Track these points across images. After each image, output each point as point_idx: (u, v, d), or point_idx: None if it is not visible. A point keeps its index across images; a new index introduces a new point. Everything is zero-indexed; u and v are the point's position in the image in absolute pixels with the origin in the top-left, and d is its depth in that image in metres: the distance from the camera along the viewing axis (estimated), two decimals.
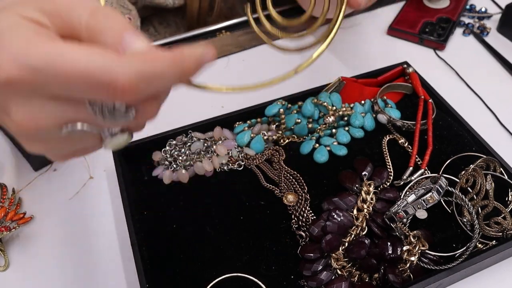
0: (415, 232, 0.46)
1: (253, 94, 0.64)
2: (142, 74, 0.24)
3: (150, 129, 0.58)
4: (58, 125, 0.25)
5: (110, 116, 0.25)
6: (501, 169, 0.52)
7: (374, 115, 0.59)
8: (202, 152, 0.56)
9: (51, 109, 0.25)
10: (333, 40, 0.72)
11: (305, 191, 0.52)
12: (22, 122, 0.25)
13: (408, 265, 0.44)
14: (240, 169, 0.55)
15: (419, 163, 0.54)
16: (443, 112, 0.60)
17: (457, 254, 0.45)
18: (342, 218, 0.48)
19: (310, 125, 0.58)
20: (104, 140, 0.28)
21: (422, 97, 0.60)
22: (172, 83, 0.27)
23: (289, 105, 0.59)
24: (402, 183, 0.52)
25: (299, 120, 0.57)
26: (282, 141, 0.57)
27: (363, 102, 0.60)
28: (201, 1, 0.75)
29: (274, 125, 0.58)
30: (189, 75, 0.27)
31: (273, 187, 0.53)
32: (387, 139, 0.57)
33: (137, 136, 0.56)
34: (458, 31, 0.77)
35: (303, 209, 0.50)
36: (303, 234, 0.48)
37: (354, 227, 0.48)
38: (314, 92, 0.60)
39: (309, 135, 0.58)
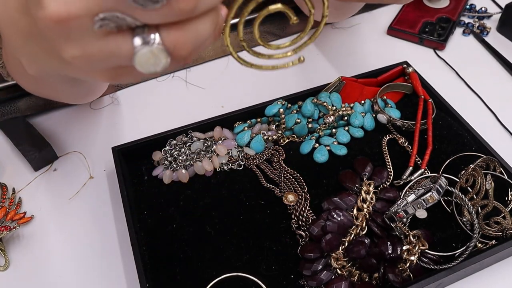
0: (415, 231, 0.46)
1: (253, 94, 0.64)
2: None
3: (150, 129, 0.58)
4: (91, 14, 0.24)
5: None
6: (501, 168, 0.52)
7: (374, 115, 0.59)
8: (202, 152, 0.56)
9: None
10: (333, 41, 0.72)
11: (305, 191, 0.52)
12: (54, 10, 0.24)
13: (408, 264, 0.44)
14: (240, 169, 0.55)
15: (419, 163, 0.54)
16: (443, 112, 0.60)
17: (457, 254, 0.45)
18: (342, 217, 0.48)
19: (310, 125, 0.58)
20: (135, 51, 0.25)
21: (422, 97, 0.60)
22: None
23: (289, 105, 0.59)
24: (402, 182, 0.52)
25: (299, 120, 0.57)
26: (282, 141, 0.57)
27: (363, 102, 0.60)
28: None
29: (274, 125, 0.58)
30: None
31: (273, 187, 0.53)
32: (387, 139, 0.57)
33: (137, 136, 0.56)
34: (458, 31, 0.77)
35: (303, 209, 0.50)
36: (303, 233, 0.48)
37: (354, 226, 0.48)
38: (314, 92, 0.60)
39: (309, 135, 0.58)
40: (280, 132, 0.57)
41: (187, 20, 0.26)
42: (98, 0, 0.24)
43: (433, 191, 0.44)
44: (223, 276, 0.45)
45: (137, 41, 0.25)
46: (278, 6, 0.32)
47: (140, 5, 0.23)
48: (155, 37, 0.25)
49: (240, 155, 0.56)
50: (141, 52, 0.25)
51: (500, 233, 0.47)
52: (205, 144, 0.57)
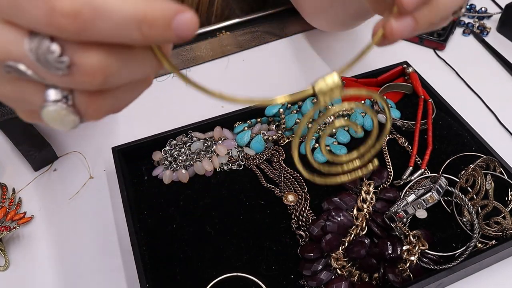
0: (415, 231, 0.46)
1: (253, 94, 0.64)
2: (90, 4, 0.20)
3: (150, 129, 0.58)
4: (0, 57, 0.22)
5: (42, 56, 0.21)
6: (501, 169, 0.52)
7: None
8: (202, 152, 0.56)
9: None
10: (333, 40, 0.72)
11: (305, 191, 0.52)
12: None
13: (408, 264, 0.44)
14: (240, 169, 0.55)
15: (419, 163, 0.54)
16: (443, 112, 0.60)
17: (457, 254, 0.45)
18: (342, 218, 0.48)
19: (310, 125, 0.58)
20: (44, 105, 0.23)
21: (422, 97, 0.60)
22: (126, 32, 0.21)
23: (289, 105, 0.59)
24: (402, 183, 0.52)
25: (299, 120, 0.57)
26: (282, 141, 0.57)
27: (363, 102, 0.60)
28: (200, 7, 0.74)
29: (274, 125, 0.58)
30: (152, 33, 0.21)
31: (273, 187, 0.53)
32: (387, 139, 0.57)
33: (138, 136, 0.56)
34: (458, 31, 0.77)
35: (303, 209, 0.50)
36: (303, 233, 0.48)
37: (354, 227, 0.48)
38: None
39: None
40: (280, 132, 0.57)
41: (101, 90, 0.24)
42: (3, 47, 0.22)
43: (433, 191, 0.44)
44: (223, 276, 0.45)
45: (49, 95, 0.23)
46: (342, 123, 0.34)
47: (43, 66, 0.22)
48: (68, 96, 0.23)
49: (240, 155, 0.56)
50: (49, 109, 0.23)
51: (500, 233, 0.47)
52: (205, 144, 0.57)
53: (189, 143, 0.56)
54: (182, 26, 0.22)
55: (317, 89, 0.28)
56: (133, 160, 0.56)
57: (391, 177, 0.53)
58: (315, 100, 0.58)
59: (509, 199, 0.50)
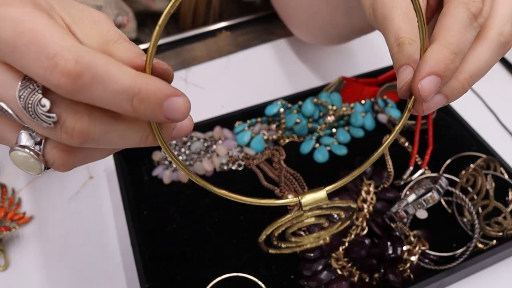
0: (415, 232, 0.46)
1: (253, 94, 0.64)
2: (91, 64, 0.21)
3: None
4: None
5: (31, 106, 0.22)
6: (501, 169, 0.52)
7: (374, 115, 0.59)
8: (202, 152, 0.56)
9: None
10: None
11: (305, 190, 0.52)
12: None
13: (408, 265, 0.44)
14: (240, 169, 0.55)
15: (419, 163, 0.54)
16: (443, 112, 0.60)
17: (458, 254, 0.45)
18: (342, 218, 0.48)
19: (310, 125, 0.58)
20: (14, 148, 0.24)
21: None
22: (118, 101, 0.22)
23: (289, 105, 0.59)
24: (402, 183, 0.52)
25: (299, 120, 0.57)
26: (282, 141, 0.57)
27: (363, 101, 0.60)
28: (196, 10, 0.74)
29: (274, 125, 0.58)
30: (141, 107, 0.22)
31: (273, 187, 0.53)
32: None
33: None
34: None
35: None
36: (303, 234, 0.48)
37: (354, 227, 0.48)
38: (314, 91, 0.60)
39: (309, 134, 0.58)
40: (280, 132, 0.57)
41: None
42: None
43: (433, 191, 0.44)
44: (223, 276, 0.45)
45: (20, 139, 0.24)
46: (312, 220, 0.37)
47: (29, 114, 0.22)
48: (40, 142, 0.24)
49: (240, 155, 0.56)
50: (17, 153, 0.24)
51: (501, 233, 0.46)
52: (205, 144, 0.56)
53: (189, 143, 0.56)
54: (172, 109, 0.23)
55: (303, 201, 0.31)
56: (133, 160, 0.56)
57: (392, 177, 0.53)
58: (315, 99, 0.58)
59: (510, 199, 0.50)
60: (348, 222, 0.39)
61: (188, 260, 0.47)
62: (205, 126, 0.57)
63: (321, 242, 0.41)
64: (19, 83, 0.22)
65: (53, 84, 0.21)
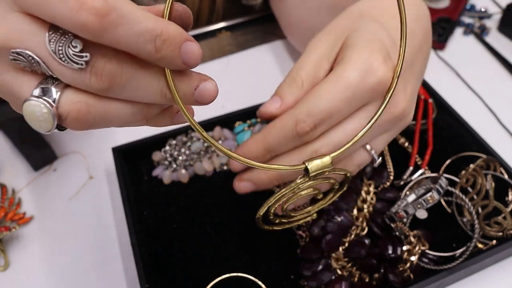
0: (415, 232, 0.46)
1: (253, 94, 0.64)
2: (117, 5, 0.22)
3: (150, 129, 0.58)
4: (8, 45, 0.23)
5: (62, 49, 0.23)
6: (501, 169, 0.52)
7: None
8: (202, 152, 0.56)
9: (12, 23, 0.23)
10: None
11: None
12: None
13: (408, 265, 0.44)
14: None
15: (419, 163, 0.54)
16: (443, 112, 0.60)
17: (458, 254, 0.45)
18: (342, 218, 0.48)
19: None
20: (28, 99, 0.24)
21: (422, 97, 0.59)
22: (142, 42, 0.23)
23: None
24: (402, 183, 0.52)
25: None
26: None
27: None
28: (199, 13, 0.74)
29: None
30: (163, 48, 0.23)
31: (273, 187, 0.53)
32: None
33: (138, 136, 0.56)
34: (458, 31, 0.77)
35: None
36: (303, 234, 0.48)
37: (354, 227, 0.48)
38: None
39: None
40: None
41: (98, 96, 0.24)
42: (19, 35, 0.23)
43: (433, 191, 0.44)
44: (223, 276, 0.45)
45: (36, 91, 0.24)
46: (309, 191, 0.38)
47: (59, 58, 0.23)
48: (56, 94, 0.24)
49: None
50: (32, 103, 0.24)
51: (501, 233, 0.46)
52: (205, 144, 0.56)
53: (189, 143, 0.56)
54: (189, 52, 0.24)
55: (310, 167, 0.31)
56: (133, 160, 0.56)
57: (391, 177, 0.53)
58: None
59: (510, 199, 0.50)
60: (339, 193, 0.40)
61: (188, 260, 0.47)
62: (205, 126, 0.57)
63: (310, 218, 0.44)
64: (47, 31, 0.23)
65: (80, 22, 0.21)
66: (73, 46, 0.23)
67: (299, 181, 0.33)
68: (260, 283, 0.45)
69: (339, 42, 0.36)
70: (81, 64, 0.23)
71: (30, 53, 0.23)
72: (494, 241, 0.47)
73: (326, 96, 0.32)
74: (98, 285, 0.48)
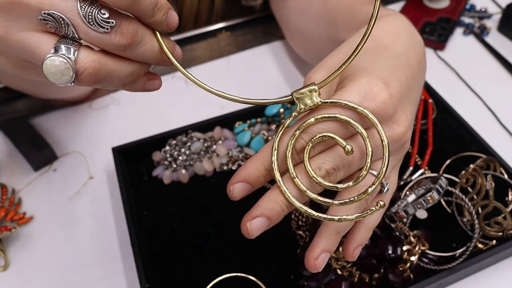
0: (415, 232, 0.46)
1: (253, 94, 0.64)
2: None
3: (150, 129, 0.58)
4: (40, 7, 0.27)
5: (91, 14, 0.27)
6: (501, 169, 0.52)
7: None
8: (202, 152, 0.56)
9: None
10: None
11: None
12: None
13: (408, 265, 0.44)
14: None
15: (419, 163, 0.54)
16: (443, 112, 0.60)
17: (457, 254, 0.45)
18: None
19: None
20: (48, 56, 0.28)
21: (422, 97, 0.60)
22: (150, 10, 0.29)
23: (289, 105, 0.59)
24: (402, 183, 0.52)
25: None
26: None
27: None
28: (198, 14, 0.74)
29: (274, 125, 0.58)
30: (158, 13, 0.29)
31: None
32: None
33: (138, 136, 0.56)
34: (458, 31, 0.77)
35: None
36: (303, 234, 0.48)
37: None
38: None
39: None
40: None
41: (113, 55, 0.29)
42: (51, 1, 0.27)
43: (433, 191, 0.44)
44: (223, 276, 0.45)
45: (57, 48, 0.28)
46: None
47: (88, 23, 0.27)
48: (74, 53, 0.28)
49: (240, 155, 0.56)
50: (53, 58, 0.28)
51: (501, 233, 0.46)
52: (205, 144, 0.56)
53: (189, 143, 0.56)
54: (171, 18, 0.31)
55: (295, 95, 0.31)
56: (133, 160, 0.56)
57: None
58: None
59: (510, 199, 0.50)
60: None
61: (188, 260, 0.47)
62: (205, 126, 0.57)
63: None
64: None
65: None
66: (101, 13, 0.27)
67: (295, 113, 0.32)
68: (260, 283, 0.45)
69: (333, 83, 0.37)
70: (107, 29, 0.27)
71: (62, 15, 0.27)
72: (494, 241, 0.47)
73: (333, 109, 0.32)
74: (98, 285, 0.48)
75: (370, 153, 0.31)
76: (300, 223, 0.49)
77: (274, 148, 0.32)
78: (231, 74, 0.70)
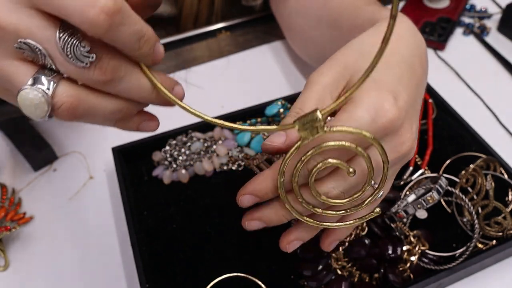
0: (415, 232, 0.46)
1: (253, 94, 0.64)
2: (123, 6, 0.24)
3: None
4: (17, 34, 0.25)
5: (70, 47, 0.25)
6: (501, 169, 0.52)
7: None
8: (202, 152, 0.56)
9: (24, 15, 0.25)
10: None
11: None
12: None
13: (408, 265, 0.44)
14: (240, 169, 0.55)
15: (419, 163, 0.54)
16: (443, 112, 0.60)
17: (457, 254, 0.45)
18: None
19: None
20: (24, 87, 0.26)
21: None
22: (133, 41, 0.26)
23: (289, 105, 0.59)
24: (402, 183, 0.52)
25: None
26: None
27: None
28: (198, 14, 0.74)
29: (274, 125, 0.58)
30: (144, 46, 0.27)
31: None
32: None
33: (137, 136, 0.56)
34: (458, 31, 0.77)
35: None
36: None
37: None
38: None
39: None
40: None
41: (96, 90, 0.27)
42: (29, 27, 0.25)
43: (433, 191, 0.44)
44: (223, 276, 0.45)
45: (34, 80, 0.26)
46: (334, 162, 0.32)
47: (66, 55, 0.25)
48: (53, 86, 0.26)
49: (240, 156, 0.56)
50: (28, 91, 0.26)
51: (501, 233, 0.46)
52: (205, 144, 0.56)
53: (189, 143, 0.56)
54: (157, 51, 0.28)
55: (298, 125, 0.29)
56: (133, 160, 0.56)
57: None
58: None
59: (510, 199, 0.50)
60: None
61: (188, 260, 0.47)
62: (205, 126, 0.57)
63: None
64: (58, 28, 0.25)
65: (90, 19, 0.23)
66: (82, 47, 0.25)
67: (299, 143, 0.31)
68: (260, 283, 0.45)
69: (342, 81, 0.35)
70: (86, 64, 0.25)
71: (38, 45, 0.25)
72: (494, 241, 0.47)
73: (337, 136, 0.31)
74: (98, 285, 0.48)
75: (372, 173, 0.32)
76: None
77: (280, 176, 0.33)
78: (231, 74, 0.70)
